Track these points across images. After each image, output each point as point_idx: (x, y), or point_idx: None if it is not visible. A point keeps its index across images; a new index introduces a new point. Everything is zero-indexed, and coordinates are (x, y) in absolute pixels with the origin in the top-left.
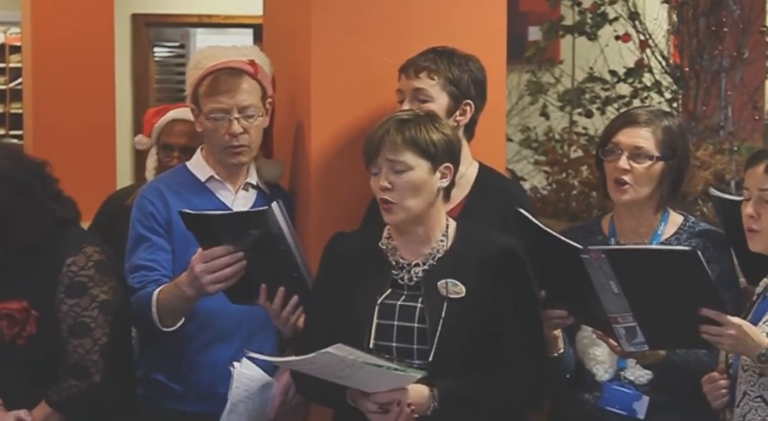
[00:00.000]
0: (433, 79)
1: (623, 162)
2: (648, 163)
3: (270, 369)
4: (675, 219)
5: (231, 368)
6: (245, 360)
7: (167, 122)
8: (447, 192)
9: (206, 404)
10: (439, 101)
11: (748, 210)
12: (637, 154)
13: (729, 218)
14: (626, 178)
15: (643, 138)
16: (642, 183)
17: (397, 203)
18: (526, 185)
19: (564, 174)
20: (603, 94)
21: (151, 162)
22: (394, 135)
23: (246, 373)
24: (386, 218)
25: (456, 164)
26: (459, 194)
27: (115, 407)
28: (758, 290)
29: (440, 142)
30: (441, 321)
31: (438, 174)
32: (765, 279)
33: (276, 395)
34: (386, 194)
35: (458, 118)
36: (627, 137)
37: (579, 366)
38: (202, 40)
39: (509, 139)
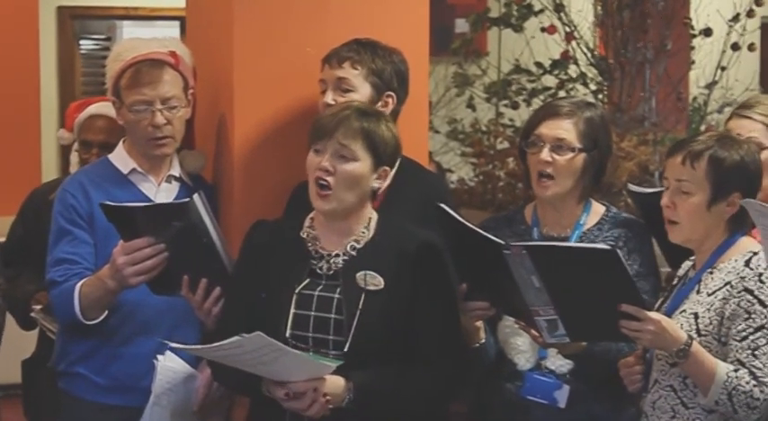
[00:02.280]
0: (356, 69)
1: (545, 154)
2: (570, 155)
3: (193, 361)
4: (597, 209)
5: (155, 360)
6: (168, 352)
7: (86, 118)
8: (375, 193)
9: (129, 397)
10: (362, 91)
11: (665, 200)
12: (559, 146)
13: (649, 209)
14: (548, 170)
15: (565, 129)
16: (564, 176)
17: (333, 191)
18: (453, 177)
19: (490, 166)
20: (529, 86)
21: (75, 157)
22: (353, 121)
23: (170, 366)
24: (319, 203)
25: (393, 168)
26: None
27: None
28: (680, 272)
29: (390, 143)
30: (358, 313)
31: (375, 175)
32: (687, 261)
33: (200, 387)
34: (325, 175)
35: (380, 109)
36: (549, 129)
37: (501, 356)
38: (129, 32)
39: (436, 131)
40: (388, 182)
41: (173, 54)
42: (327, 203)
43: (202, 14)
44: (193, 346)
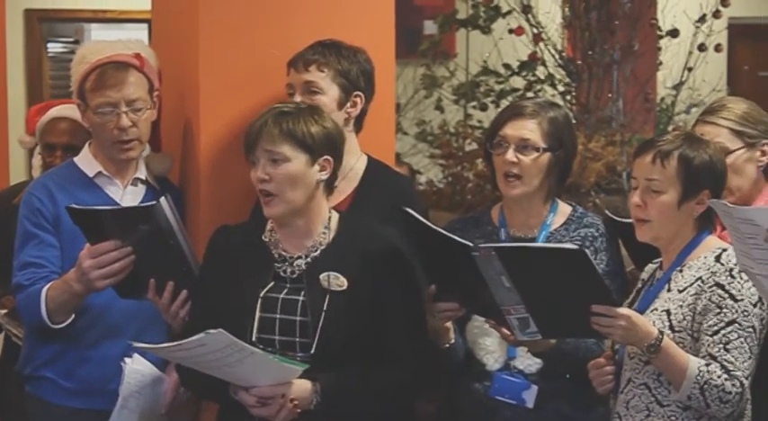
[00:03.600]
0: (323, 71)
1: (510, 155)
2: (535, 154)
3: (161, 364)
4: (564, 210)
5: (122, 364)
6: (135, 355)
7: (48, 121)
8: (329, 186)
9: (97, 400)
10: (330, 93)
11: (635, 199)
12: (524, 146)
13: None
14: (514, 171)
15: (529, 130)
16: (530, 176)
17: (277, 195)
18: (422, 179)
19: (459, 168)
20: (498, 88)
21: (37, 160)
22: (272, 126)
23: (138, 369)
24: (265, 211)
25: (337, 157)
26: (347, 187)
27: None
28: (644, 276)
29: (318, 135)
30: (323, 314)
31: (317, 167)
32: (650, 264)
33: (168, 390)
34: (264, 185)
35: (349, 110)
36: (513, 129)
37: (469, 356)
38: (97, 35)
39: (404, 133)
40: (334, 171)
41: (137, 56)
42: (273, 208)
43: (168, 16)
44: (156, 345)
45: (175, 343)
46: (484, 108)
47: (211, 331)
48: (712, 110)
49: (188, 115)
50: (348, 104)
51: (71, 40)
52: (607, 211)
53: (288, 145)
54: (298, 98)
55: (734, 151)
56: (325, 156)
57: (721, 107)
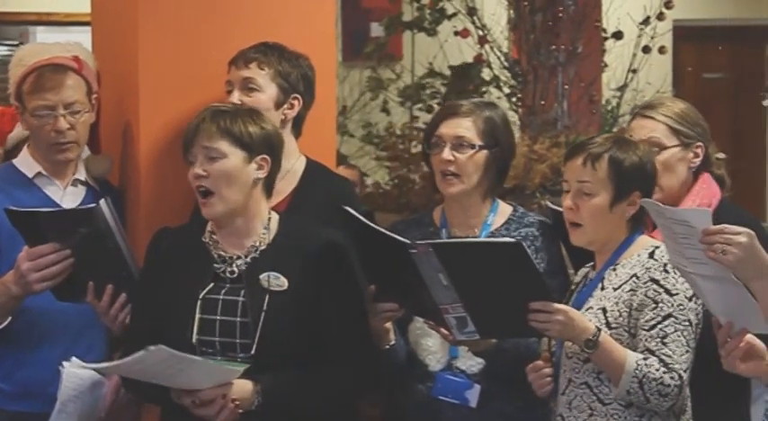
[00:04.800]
0: (262, 70)
1: (447, 153)
2: (471, 152)
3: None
4: (504, 210)
5: (60, 367)
6: (74, 359)
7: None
8: (267, 186)
9: (35, 404)
10: (268, 91)
11: (567, 202)
12: (459, 144)
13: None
14: (451, 169)
15: (464, 128)
16: (468, 174)
17: (214, 193)
18: (369, 181)
19: (405, 170)
20: (443, 90)
21: None
22: (209, 124)
23: (76, 372)
24: (203, 211)
25: (274, 157)
26: (285, 188)
27: None
28: (576, 279)
29: (256, 133)
30: (263, 314)
31: (254, 165)
32: (583, 268)
33: (107, 393)
34: (200, 181)
35: (285, 111)
36: (448, 128)
37: (412, 357)
38: (43, 38)
39: (351, 135)
40: (272, 170)
41: (76, 59)
42: (212, 208)
43: (108, 19)
44: (98, 365)
45: (115, 363)
46: (430, 110)
47: (151, 348)
48: (651, 105)
49: (128, 117)
50: (285, 105)
51: (16, 43)
52: (548, 202)
53: (225, 141)
54: (236, 94)
55: (669, 148)
56: (263, 155)
57: (660, 104)
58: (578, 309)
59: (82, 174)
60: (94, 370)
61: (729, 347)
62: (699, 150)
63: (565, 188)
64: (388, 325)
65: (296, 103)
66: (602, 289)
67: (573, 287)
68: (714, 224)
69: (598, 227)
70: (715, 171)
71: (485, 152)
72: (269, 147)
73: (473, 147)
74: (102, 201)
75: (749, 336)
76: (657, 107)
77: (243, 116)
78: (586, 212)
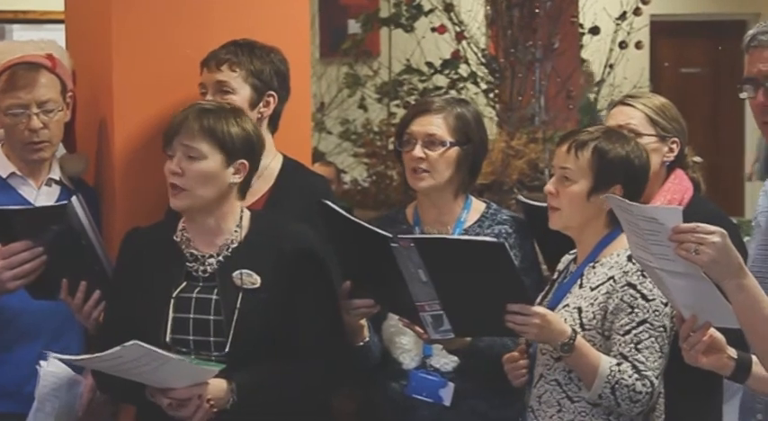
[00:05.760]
0: (234, 71)
1: (418, 151)
2: (442, 149)
3: (78, 367)
4: (478, 207)
5: (38, 366)
6: (51, 358)
7: None
8: (242, 190)
9: (12, 403)
10: (241, 93)
11: (548, 186)
12: (430, 141)
13: (535, 221)
14: (422, 166)
15: (435, 125)
16: (438, 170)
17: (187, 190)
18: (346, 178)
19: (383, 166)
20: (421, 86)
21: None
22: (192, 121)
23: (53, 371)
24: (171, 202)
25: (253, 161)
26: (262, 187)
27: None
28: (560, 267)
29: (238, 137)
30: (236, 312)
31: (232, 169)
32: (567, 255)
33: (84, 392)
34: (175, 179)
35: (261, 110)
36: (419, 125)
37: (386, 355)
38: (18, 35)
39: (328, 132)
40: (249, 175)
41: (49, 57)
42: (180, 200)
43: (82, 17)
44: (73, 357)
45: (91, 356)
46: (407, 106)
47: (127, 344)
48: (633, 95)
49: (102, 116)
50: (261, 104)
51: None
52: (521, 196)
53: (206, 142)
54: (209, 97)
55: (644, 136)
56: (242, 160)
57: (643, 95)
58: (557, 304)
59: (56, 174)
60: (72, 361)
61: (693, 341)
62: (674, 146)
63: (551, 172)
64: (363, 321)
65: (271, 100)
66: (581, 286)
67: (555, 277)
68: (684, 220)
69: (574, 213)
70: (690, 174)
71: (456, 149)
72: (249, 152)
73: (444, 144)
74: (74, 199)
75: (711, 330)
76: (639, 97)
77: (227, 116)
78: (565, 198)
